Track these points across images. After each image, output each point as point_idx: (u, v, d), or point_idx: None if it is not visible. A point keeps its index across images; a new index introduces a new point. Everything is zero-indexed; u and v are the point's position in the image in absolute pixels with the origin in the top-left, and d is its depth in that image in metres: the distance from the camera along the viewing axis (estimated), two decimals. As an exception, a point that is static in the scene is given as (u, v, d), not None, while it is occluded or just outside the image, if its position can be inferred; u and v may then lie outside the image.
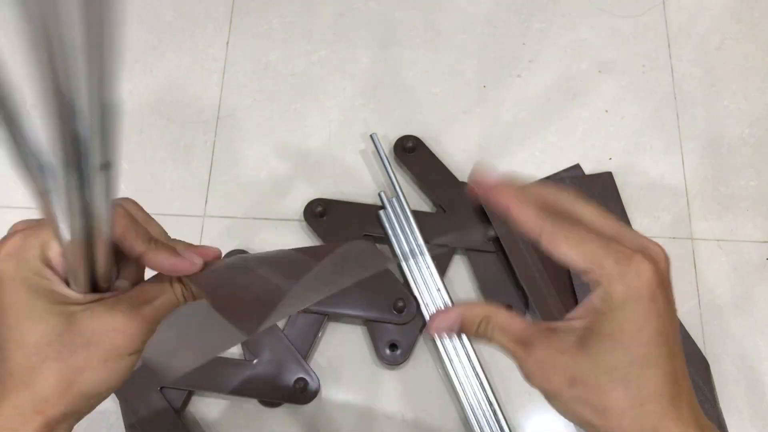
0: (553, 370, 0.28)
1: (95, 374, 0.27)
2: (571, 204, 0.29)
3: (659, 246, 0.29)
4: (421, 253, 0.59)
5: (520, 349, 0.29)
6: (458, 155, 0.66)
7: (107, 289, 0.30)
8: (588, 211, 0.28)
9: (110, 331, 0.27)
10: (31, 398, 0.26)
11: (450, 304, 0.58)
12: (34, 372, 0.26)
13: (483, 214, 0.61)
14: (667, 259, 0.29)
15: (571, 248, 0.26)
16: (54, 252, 0.28)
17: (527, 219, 0.28)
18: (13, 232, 0.28)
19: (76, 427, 0.56)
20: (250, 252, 0.61)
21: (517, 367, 0.30)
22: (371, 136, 0.64)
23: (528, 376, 0.30)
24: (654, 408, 0.26)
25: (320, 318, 0.58)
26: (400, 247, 0.60)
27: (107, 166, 0.23)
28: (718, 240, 0.63)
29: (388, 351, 0.57)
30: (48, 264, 0.28)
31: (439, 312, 0.31)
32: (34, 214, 0.62)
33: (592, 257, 0.26)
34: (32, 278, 0.27)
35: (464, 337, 0.57)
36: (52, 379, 0.26)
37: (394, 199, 0.62)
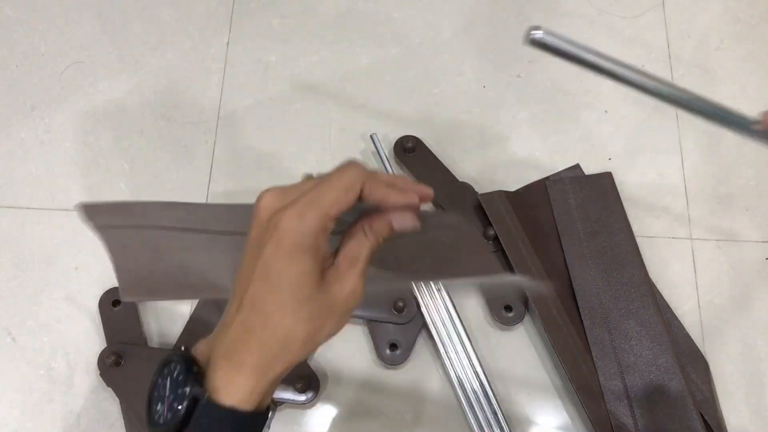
0: None
1: (330, 330, 0.32)
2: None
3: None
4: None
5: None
6: (458, 155, 0.66)
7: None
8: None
9: (348, 295, 0.32)
10: (279, 348, 0.31)
11: (450, 304, 0.58)
12: (286, 328, 0.30)
13: (483, 214, 0.61)
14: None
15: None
16: (329, 222, 0.31)
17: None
18: (293, 200, 0.31)
19: (75, 427, 0.57)
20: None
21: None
22: (371, 136, 0.64)
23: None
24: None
25: (320, 318, 0.58)
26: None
27: None
28: (717, 240, 0.63)
29: (388, 351, 0.57)
30: (322, 233, 0.31)
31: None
32: (34, 213, 0.62)
33: None
34: (309, 250, 0.30)
35: (464, 337, 0.57)
36: (300, 336, 0.31)
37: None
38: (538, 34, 0.27)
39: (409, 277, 0.39)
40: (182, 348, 0.32)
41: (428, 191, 0.34)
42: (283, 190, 0.32)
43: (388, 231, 0.33)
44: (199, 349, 0.32)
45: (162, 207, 0.40)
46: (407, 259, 0.39)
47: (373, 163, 0.66)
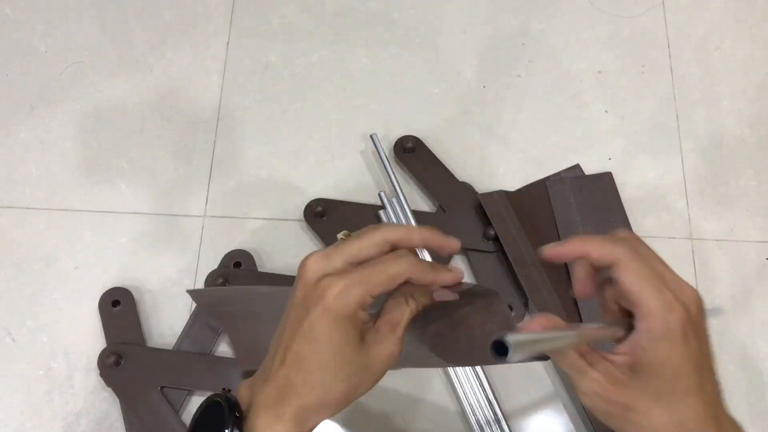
0: (609, 397, 0.34)
1: (366, 388, 0.35)
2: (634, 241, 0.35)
3: (693, 290, 0.34)
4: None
5: (581, 368, 0.35)
6: (458, 155, 0.66)
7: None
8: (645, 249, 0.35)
9: (387, 357, 0.35)
10: (318, 403, 0.33)
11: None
12: (325, 386, 0.33)
13: (483, 214, 0.61)
14: (699, 302, 0.34)
15: (636, 282, 0.33)
16: (370, 299, 0.34)
17: (600, 247, 0.34)
18: (342, 271, 0.34)
19: (75, 427, 0.57)
20: (250, 252, 0.61)
21: (571, 382, 0.36)
22: (371, 136, 0.64)
23: (582, 394, 0.35)
24: (693, 427, 0.33)
25: (320, 318, 0.58)
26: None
27: None
28: (717, 240, 0.63)
29: (388, 351, 0.57)
30: (362, 308, 0.34)
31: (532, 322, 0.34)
32: (34, 213, 0.62)
33: (648, 297, 0.32)
34: (350, 318, 0.33)
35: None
36: (337, 394, 0.33)
37: (394, 199, 0.62)
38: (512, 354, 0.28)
39: (443, 362, 0.43)
40: (227, 390, 0.35)
41: (457, 246, 0.37)
42: (327, 255, 0.34)
43: (429, 300, 0.36)
44: (241, 393, 0.35)
45: (252, 292, 0.49)
46: (439, 339, 0.42)
47: (373, 163, 0.66)
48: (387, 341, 0.35)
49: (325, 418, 0.34)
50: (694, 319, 0.33)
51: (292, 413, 0.33)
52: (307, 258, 0.35)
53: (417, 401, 0.57)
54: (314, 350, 0.33)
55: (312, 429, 0.34)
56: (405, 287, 0.36)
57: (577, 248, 0.35)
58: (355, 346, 0.33)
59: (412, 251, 0.36)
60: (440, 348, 0.42)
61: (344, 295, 0.33)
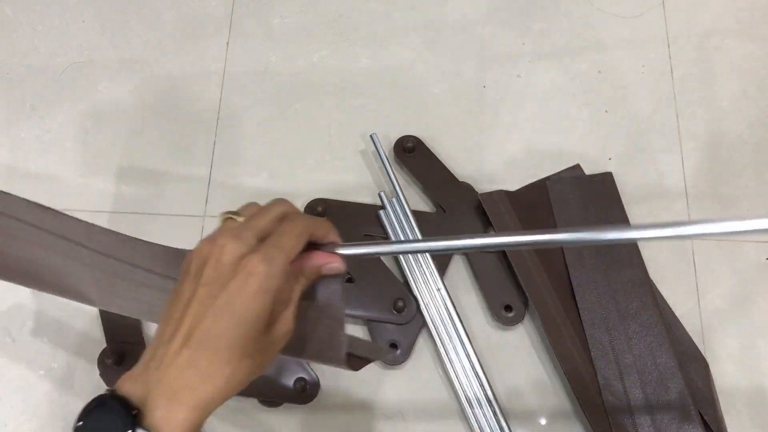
0: None
1: (266, 366, 0.34)
2: None
3: None
4: (422, 255, 0.60)
5: None
6: (458, 155, 0.66)
7: None
8: None
9: (285, 333, 0.35)
10: (223, 384, 0.32)
11: (450, 304, 0.58)
12: (232, 365, 0.32)
13: (483, 214, 0.61)
14: None
15: None
16: (288, 265, 0.34)
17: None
18: (254, 255, 0.33)
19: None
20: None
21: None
22: (371, 136, 0.64)
23: None
24: None
25: (320, 318, 0.58)
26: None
27: None
28: (717, 240, 0.63)
29: (388, 351, 0.57)
30: (285, 273, 0.34)
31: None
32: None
33: None
34: (275, 291, 0.33)
35: (464, 337, 0.57)
36: (245, 371, 0.33)
37: (394, 199, 0.62)
38: None
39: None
40: (111, 389, 0.32)
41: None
42: (238, 235, 0.34)
43: (317, 274, 0.37)
44: (127, 387, 0.32)
45: (30, 204, 0.43)
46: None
47: (373, 163, 0.66)
48: (284, 318, 0.34)
49: (225, 400, 0.32)
50: None
51: (196, 399, 0.31)
52: (219, 237, 0.34)
53: (417, 401, 0.57)
54: (228, 325, 0.32)
55: (212, 411, 0.32)
56: (293, 263, 0.35)
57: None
58: (265, 321, 0.33)
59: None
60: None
61: (268, 266, 0.32)
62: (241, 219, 0.36)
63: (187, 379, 0.31)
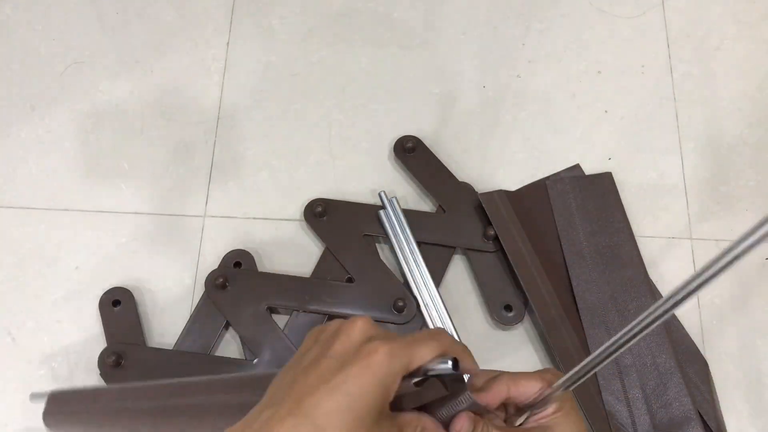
0: None
1: None
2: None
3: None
4: (418, 255, 0.60)
5: None
6: (458, 155, 0.66)
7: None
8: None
9: None
10: None
11: (444, 310, 0.58)
12: None
13: (483, 213, 0.61)
14: None
15: (528, 381, 0.36)
16: (408, 371, 0.32)
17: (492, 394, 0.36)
18: (387, 337, 0.33)
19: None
20: (250, 252, 0.61)
21: None
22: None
23: None
24: None
25: (321, 318, 0.58)
26: (400, 247, 0.60)
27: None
28: (717, 240, 0.63)
29: (388, 351, 0.57)
30: (401, 376, 0.32)
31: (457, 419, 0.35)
32: (34, 213, 0.62)
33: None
34: (388, 386, 0.31)
35: (464, 337, 0.57)
36: None
37: (394, 199, 0.62)
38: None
39: None
40: None
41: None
42: (375, 324, 0.34)
43: None
44: None
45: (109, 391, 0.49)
46: None
47: (373, 163, 0.66)
48: None
49: None
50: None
51: None
52: (357, 318, 0.34)
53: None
54: (339, 407, 0.30)
55: None
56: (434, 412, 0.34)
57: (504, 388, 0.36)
58: (374, 420, 0.31)
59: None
60: None
61: (389, 360, 0.31)
62: None
63: None
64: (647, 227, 0.63)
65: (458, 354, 0.33)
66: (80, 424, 0.49)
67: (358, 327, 0.33)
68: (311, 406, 0.30)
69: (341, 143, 0.67)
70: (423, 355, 0.32)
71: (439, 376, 0.33)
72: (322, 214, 0.62)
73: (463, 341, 0.57)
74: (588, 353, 0.56)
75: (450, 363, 0.32)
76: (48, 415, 0.49)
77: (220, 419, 0.36)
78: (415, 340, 0.33)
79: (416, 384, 0.33)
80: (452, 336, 0.34)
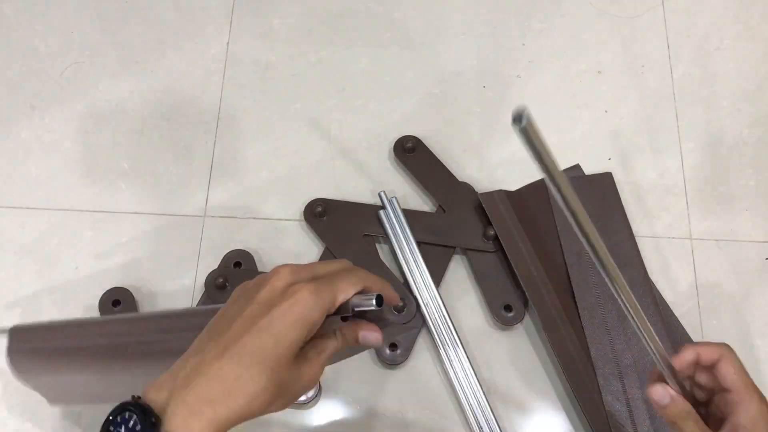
0: None
1: (281, 406, 0.34)
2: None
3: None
4: (418, 255, 0.60)
5: None
6: (458, 155, 0.66)
7: None
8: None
9: (308, 379, 0.35)
10: (245, 404, 0.32)
11: (444, 310, 0.58)
12: (255, 384, 0.32)
13: (483, 213, 0.61)
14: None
15: (735, 373, 0.40)
16: (332, 306, 0.35)
17: (710, 350, 0.41)
18: (308, 278, 0.35)
19: (76, 427, 0.56)
20: (250, 252, 0.61)
21: None
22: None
23: None
24: None
25: (320, 318, 0.58)
26: (400, 247, 0.60)
27: None
28: (717, 240, 0.63)
29: (388, 351, 0.57)
30: (326, 314, 0.34)
31: (657, 389, 0.40)
32: (34, 213, 0.62)
33: (741, 384, 0.40)
34: (312, 323, 0.33)
35: (456, 339, 0.57)
36: (261, 400, 0.32)
37: (394, 199, 0.62)
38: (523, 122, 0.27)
39: None
40: (136, 397, 0.33)
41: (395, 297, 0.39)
42: (296, 270, 0.35)
43: (354, 341, 0.38)
44: (151, 395, 0.32)
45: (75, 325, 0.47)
46: None
47: (373, 163, 0.66)
48: (313, 364, 0.35)
49: (240, 422, 0.32)
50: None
51: (216, 414, 0.31)
52: (279, 267, 0.35)
53: (417, 401, 0.57)
54: (263, 344, 0.32)
55: (228, 429, 0.33)
56: (339, 324, 0.37)
57: (693, 354, 0.41)
58: (295, 354, 0.33)
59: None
60: None
61: (314, 298, 0.33)
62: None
63: (211, 391, 0.32)
64: (647, 227, 0.63)
65: (379, 289, 0.36)
66: (42, 361, 0.48)
67: (282, 274, 0.35)
68: (239, 348, 0.32)
69: (341, 143, 0.67)
70: (346, 292, 0.35)
71: (364, 312, 0.36)
72: (322, 214, 0.62)
73: (463, 341, 0.57)
74: (588, 353, 0.56)
75: (374, 300, 0.34)
76: (12, 353, 0.47)
77: (169, 357, 0.37)
78: (335, 278, 0.35)
79: (343, 319, 0.36)
80: (363, 269, 0.37)
